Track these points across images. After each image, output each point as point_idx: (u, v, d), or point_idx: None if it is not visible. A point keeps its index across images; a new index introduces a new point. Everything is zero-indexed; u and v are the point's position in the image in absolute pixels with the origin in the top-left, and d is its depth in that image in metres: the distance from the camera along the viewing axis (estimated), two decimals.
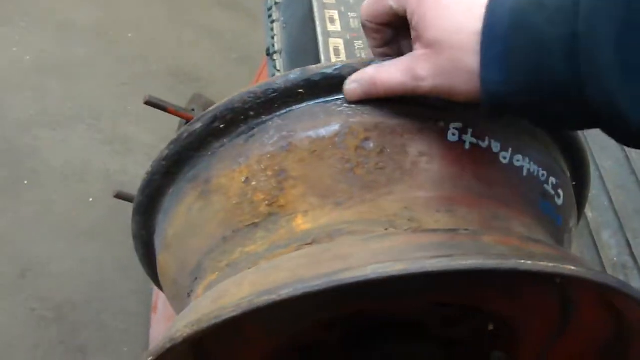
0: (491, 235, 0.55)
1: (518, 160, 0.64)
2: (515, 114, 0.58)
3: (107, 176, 2.42)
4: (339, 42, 1.14)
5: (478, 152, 0.62)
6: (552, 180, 0.67)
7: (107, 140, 2.54)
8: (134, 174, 2.40)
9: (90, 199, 2.34)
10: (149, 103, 1.24)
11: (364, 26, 0.66)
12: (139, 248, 0.80)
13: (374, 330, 0.69)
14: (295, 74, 0.63)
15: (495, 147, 0.63)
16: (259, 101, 0.63)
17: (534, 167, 0.65)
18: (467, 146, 0.62)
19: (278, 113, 0.64)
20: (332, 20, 1.17)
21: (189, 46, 3.03)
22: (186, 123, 1.54)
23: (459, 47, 0.55)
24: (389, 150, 0.61)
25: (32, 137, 2.44)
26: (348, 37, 1.15)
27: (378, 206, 0.59)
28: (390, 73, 0.61)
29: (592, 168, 1.25)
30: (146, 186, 0.72)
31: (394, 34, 0.66)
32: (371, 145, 0.61)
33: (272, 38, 1.32)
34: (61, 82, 2.64)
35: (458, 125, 0.62)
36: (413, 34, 0.59)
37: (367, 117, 0.62)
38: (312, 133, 0.62)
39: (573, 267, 0.50)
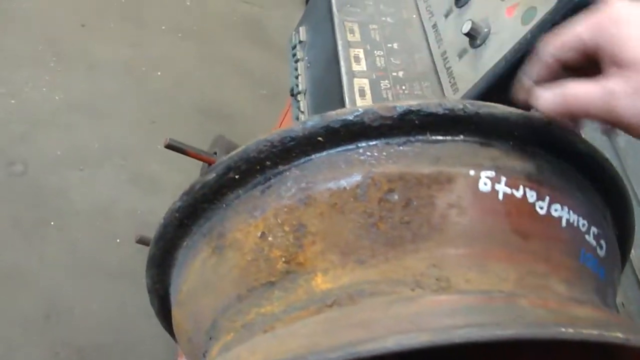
0: (528, 297, 0.50)
1: (556, 210, 0.59)
2: None
3: (134, 216, 2.39)
4: (365, 82, 1.09)
5: (512, 203, 0.58)
6: (594, 230, 0.62)
7: (134, 179, 2.51)
8: (162, 215, 2.36)
9: (117, 240, 2.30)
10: (169, 146, 1.20)
11: (539, 57, 0.63)
12: (154, 302, 0.78)
13: None
14: (314, 121, 0.59)
15: (531, 196, 0.58)
16: (275, 150, 0.59)
17: (573, 217, 0.60)
18: (500, 197, 0.57)
19: (296, 163, 0.60)
20: (357, 59, 1.13)
21: (218, 83, 3.01)
22: (209, 167, 1.50)
23: None
24: (415, 203, 0.56)
25: (59, 177, 2.43)
26: (374, 76, 1.10)
27: (403, 264, 0.55)
28: (586, 88, 0.57)
29: (634, 203, 1.19)
30: (159, 238, 0.69)
31: (561, 72, 0.63)
32: (396, 197, 0.57)
33: (296, 78, 1.28)
34: (90, 121, 2.63)
35: (490, 174, 0.58)
36: (605, 60, 0.57)
37: (392, 166, 0.58)
38: (332, 184, 0.58)
39: (620, 335, 0.45)
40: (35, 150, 2.47)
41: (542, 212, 0.58)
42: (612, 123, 0.57)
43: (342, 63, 1.12)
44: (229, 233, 0.61)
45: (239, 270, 0.59)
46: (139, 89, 2.84)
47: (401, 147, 0.59)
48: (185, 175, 2.50)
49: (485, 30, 1.03)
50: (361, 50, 1.14)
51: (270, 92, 3.03)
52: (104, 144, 2.57)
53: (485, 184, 0.57)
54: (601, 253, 0.63)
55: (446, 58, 1.10)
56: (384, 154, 0.59)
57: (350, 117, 0.58)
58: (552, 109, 0.59)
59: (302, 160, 0.60)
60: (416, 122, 0.59)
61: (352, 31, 1.18)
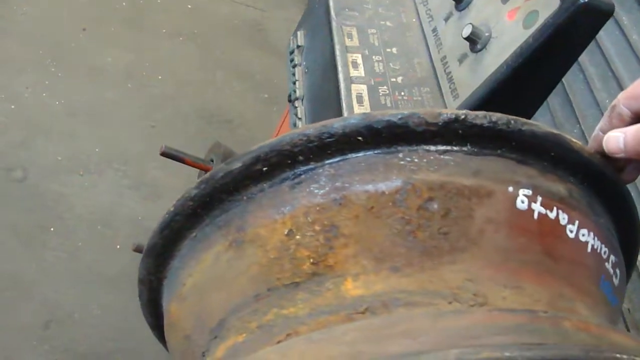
0: (570, 320, 0.48)
1: (583, 235, 0.58)
2: None
3: (135, 223, 2.37)
4: (363, 89, 1.07)
5: (546, 224, 0.57)
6: (612, 258, 0.62)
7: (135, 185, 2.49)
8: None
9: (117, 246, 2.29)
10: (165, 154, 1.18)
11: (614, 108, 0.64)
12: (143, 293, 0.74)
13: None
14: (357, 119, 0.57)
15: (563, 219, 0.57)
16: (311, 145, 0.57)
17: (597, 243, 0.60)
18: (535, 216, 0.56)
19: (330, 161, 0.58)
20: (355, 65, 1.10)
21: (220, 87, 2.99)
22: (206, 173, 1.48)
23: None
24: (454, 214, 0.55)
25: (59, 183, 2.41)
26: (372, 82, 1.08)
27: (439, 276, 0.53)
28: None
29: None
30: (165, 227, 0.65)
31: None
32: (435, 206, 0.55)
33: (294, 83, 1.25)
34: (90, 127, 2.61)
35: (528, 192, 0.57)
36: None
37: (433, 174, 0.56)
38: (370, 187, 0.56)
39: None
40: (35, 156, 2.45)
41: (571, 235, 0.58)
42: None
43: (339, 69, 1.10)
44: (251, 228, 0.58)
45: (260, 268, 0.57)
46: (139, 94, 2.82)
47: (442, 156, 0.57)
48: (186, 180, 2.48)
49: (486, 34, 1.00)
50: (359, 56, 1.12)
51: (272, 96, 3.01)
52: (104, 149, 2.56)
53: (523, 201, 0.56)
54: (616, 282, 0.62)
55: (446, 63, 1.07)
56: (425, 160, 0.57)
57: (395, 119, 0.56)
58: (631, 147, 0.60)
59: (338, 158, 0.57)
60: (460, 131, 0.57)
61: (350, 36, 1.16)
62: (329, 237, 0.55)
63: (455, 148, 0.58)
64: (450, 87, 1.04)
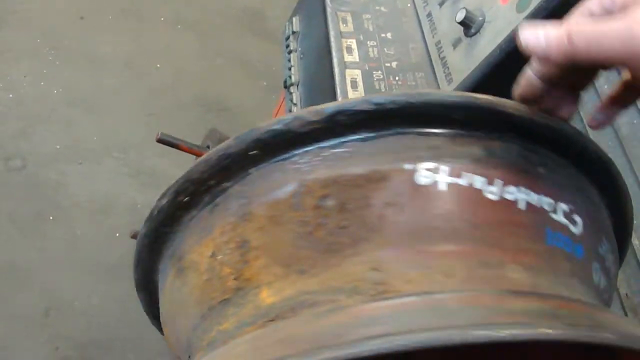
0: (461, 296, 0.48)
1: (511, 193, 0.56)
2: None
3: (134, 210, 2.37)
4: (357, 74, 1.07)
5: (457, 192, 0.55)
6: (563, 207, 0.59)
7: (134, 173, 2.50)
8: None
9: (117, 234, 2.29)
10: (161, 141, 1.18)
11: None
12: (154, 323, 0.79)
13: None
14: (244, 135, 0.58)
15: (479, 182, 0.55)
16: (215, 169, 0.59)
17: (533, 197, 0.57)
18: (443, 187, 0.55)
19: (237, 178, 0.59)
20: (349, 50, 1.10)
21: (218, 75, 2.98)
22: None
23: None
24: (350, 206, 0.54)
25: (58, 171, 2.41)
26: (367, 67, 1.08)
27: (344, 271, 0.53)
28: (598, 27, 0.50)
29: (635, 184, 1.16)
30: (137, 264, 0.70)
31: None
32: (330, 202, 0.55)
33: (290, 69, 1.26)
34: (89, 115, 2.61)
35: (430, 165, 0.55)
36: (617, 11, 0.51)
37: (325, 171, 0.56)
38: (268, 197, 0.57)
39: (549, 331, 0.44)
40: (33, 145, 2.46)
41: (493, 197, 0.55)
42: (631, 57, 0.48)
43: (334, 54, 1.10)
44: (187, 255, 0.62)
45: (199, 290, 0.60)
46: (138, 82, 2.82)
47: (335, 150, 0.57)
48: (185, 168, 2.48)
49: (480, 18, 1.00)
50: (354, 41, 1.12)
51: (271, 83, 3.00)
52: (103, 137, 2.56)
53: (426, 176, 0.55)
54: (576, 229, 0.59)
55: (440, 47, 1.07)
56: (319, 159, 0.57)
57: (278, 127, 0.57)
58: (553, 47, 0.52)
59: (241, 175, 0.59)
60: (347, 122, 0.56)
61: (344, 21, 1.16)
62: (243, 252, 0.56)
63: (350, 138, 0.57)
64: (444, 72, 1.04)
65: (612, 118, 0.64)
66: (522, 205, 0.56)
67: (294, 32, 1.30)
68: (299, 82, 1.22)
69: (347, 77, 1.05)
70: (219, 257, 0.58)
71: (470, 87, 0.96)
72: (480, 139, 0.58)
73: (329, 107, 0.56)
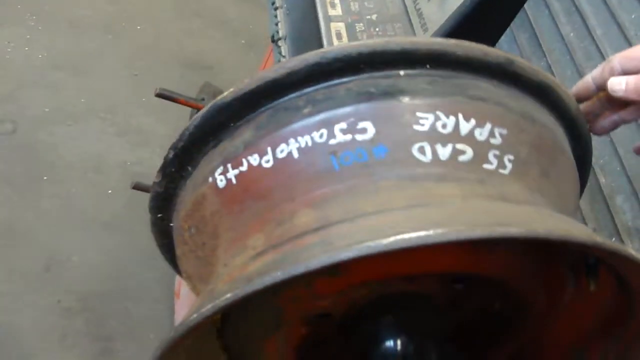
0: (225, 276, 0.61)
1: (282, 151, 0.63)
2: None
3: (124, 168, 2.46)
4: (341, 26, 1.16)
5: (244, 178, 0.65)
6: (341, 127, 0.63)
7: (121, 132, 2.58)
8: (150, 165, 2.44)
9: (109, 191, 2.38)
10: (160, 95, 1.27)
11: (609, 61, 0.76)
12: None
13: (380, 303, 0.73)
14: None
15: (254, 159, 0.64)
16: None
17: (303, 139, 0.63)
18: (235, 181, 0.65)
19: None
20: (333, 5, 1.20)
21: (198, 35, 3.05)
22: (197, 113, 1.57)
23: None
24: (201, 228, 0.69)
25: (48, 133, 2.49)
26: (349, 20, 1.18)
27: (216, 274, 0.66)
28: None
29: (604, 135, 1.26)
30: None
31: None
32: (193, 230, 0.70)
33: (276, 25, 1.35)
34: (74, 78, 2.68)
35: (220, 169, 0.66)
36: None
37: (184, 210, 0.71)
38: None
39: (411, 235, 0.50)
40: (22, 109, 2.52)
41: (269, 164, 0.63)
42: None
43: (318, 9, 1.19)
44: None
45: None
46: (120, 44, 2.88)
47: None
48: (171, 126, 2.58)
49: None
50: None
51: (249, 41, 3.09)
52: (89, 99, 2.63)
53: (221, 180, 0.66)
54: (365, 136, 0.62)
55: (416, 1, 1.17)
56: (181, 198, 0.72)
57: (156, 188, 0.74)
58: (632, 90, 0.72)
59: None
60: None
61: None
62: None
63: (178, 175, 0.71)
64: (420, 22, 1.14)
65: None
66: (295, 154, 0.63)
67: None
68: (286, 35, 1.32)
69: (332, 29, 1.15)
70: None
71: (444, 35, 1.07)
72: (259, 114, 0.66)
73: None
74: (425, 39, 0.66)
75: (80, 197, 2.36)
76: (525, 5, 1.30)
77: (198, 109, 1.41)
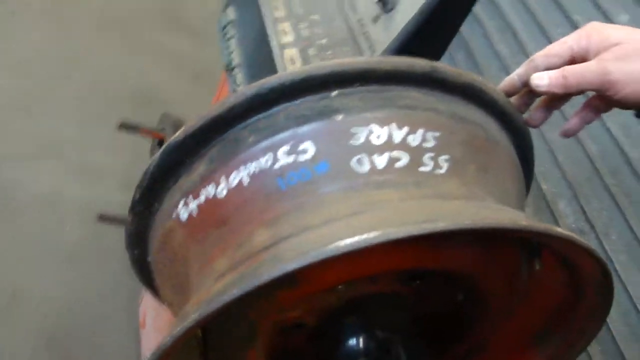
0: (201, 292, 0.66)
1: (234, 179, 0.69)
2: None
3: (79, 205, 2.47)
4: (294, 52, 1.24)
5: (203, 209, 0.71)
6: (284, 150, 0.68)
7: (75, 170, 2.58)
8: (106, 201, 2.44)
9: (67, 228, 2.39)
10: (123, 126, 1.32)
11: (532, 60, 0.81)
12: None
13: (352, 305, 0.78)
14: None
15: (209, 193, 0.70)
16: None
17: (251, 167, 0.68)
18: (196, 212, 0.71)
19: None
20: (284, 33, 1.27)
21: (145, 70, 3.09)
22: (159, 143, 1.63)
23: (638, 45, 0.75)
24: (172, 258, 0.75)
25: (0, 173, 2.49)
26: (301, 46, 1.25)
27: (190, 299, 0.70)
28: (581, 67, 0.77)
29: (543, 144, 1.33)
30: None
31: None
32: (166, 262, 0.76)
33: (230, 54, 1.41)
34: (23, 118, 2.68)
35: (182, 204, 0.72)
36: (592, 52, 0.77)
37: (156, 242, 0.77)
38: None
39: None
40: None
41: (224, 193, 0.69)
42: (605, 86, 0.75)
43: (271, 37, 1.26)
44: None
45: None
46: (69, 83, 2.90)
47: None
48: (123, 160, 2.61)
49: None
50: (288, 24, 1.29)
51: (196, 73, 3.13)
52: (40, 138, 2.63)
53: (184, 213, 0.72)
54: (306, 156, 0.67)
55: (363, 24, 1.25)
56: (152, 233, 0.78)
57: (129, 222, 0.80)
58: (554, 83, 0.77)
59: None
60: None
61: (276, 8, 1.32)
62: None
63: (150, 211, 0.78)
64: (368, 44, 1.22)
65: (582, 124, 0.85)
66: (245, 182, 0.68)
67: (230, 21, 1.46)
68: (240, 64, 1.38)
69: (286, 56, 1.22)
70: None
71: (391, 54, 1.15)
72: (208, 150, 0.72)
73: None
74: (353, 59, 0.71)
75: (37, 235, 2.35)
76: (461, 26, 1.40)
77: (159, 139, 1.47)
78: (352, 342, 0.77)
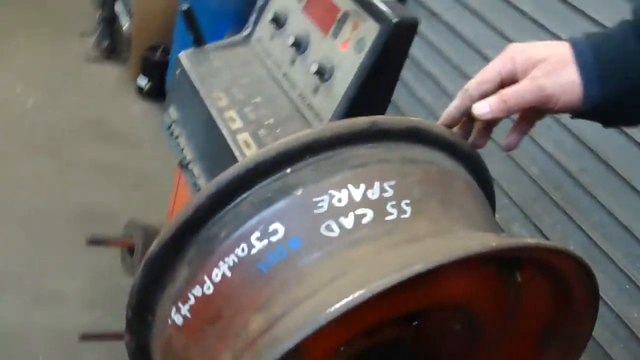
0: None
1: (217, 275, 0.73)
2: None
3: (48, 332, 2.44)
4: (246, 136, 1.29)
5: (195, 310, 0.74)
6: (255, 237, 0.72)
7: (36, 298, 2.56)
8: (75, 323, 2.43)
9: (40, 357, 2.36)
10: (92, 242, 1.35)
11: (466, 90, 0.86)
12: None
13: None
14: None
15: (197, 291, 0.73)
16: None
17: (231, 259, 0.72)
18: (190, 315, 0.74)
19: None
20: (232, 120, 1.33)
21: (86, 187, 3.10)
22: (128, 250, 1.65)
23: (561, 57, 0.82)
24: (183, 358, 0.76)
25: None
26: (251, 129, 1.31)
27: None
28: (517, 88, 0.82)
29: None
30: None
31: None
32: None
33: (182, 151, 1.46)
34: None
35: (174, 310, 0.75)
36: (519, 72, 0.84)
37: (159, 352, 0.80)
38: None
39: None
40: None
41: (211, 290, 0.72)
42: (543, 100, 0.82)
43: (220, 126, 1.32)
44: None
45: None
46: (9, 215, 2.89)
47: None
48: (82, 280, 2.61)
49: (329, 66, 1.26)
50: (233, 111, 1.34)
51: (136, 182, 3.16)
52: None
53: (178, 318, 0.75)
54: (278, 236, 0.71)
55: (304, 97, 1.32)
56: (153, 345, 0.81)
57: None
58: (495, 110, 0.83)
59: None
60: None
61: (219, 98, 1.38)
62: None
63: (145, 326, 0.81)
64: (314, 115, 1.29)
65: (521, 137, 0.92)
66: (228, 275, 0.72)
67: (174, 121, 1.50)
68: (194, 159, 1.43)
69: (239, 141, 1.27)
70: None
71: (339, 119, 1.21)
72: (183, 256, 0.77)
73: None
74: (297, 135, 0.75)
75: None
76: None
77: (128, 246, 1.49)
78: None
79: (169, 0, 3.52)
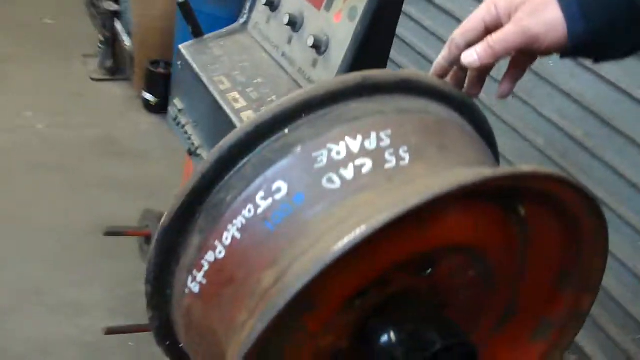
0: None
1: (227, 239, 0.74)
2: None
3: (72, 342, 2.47)
4: (250, 114, 1.32)
5: (210, 276, 0.76)
6: (259, 197, 0.74)
7: (56, 309, 2.59)
8: (96, 332, 2.45)
9: None
10: (110, 233, 1.38)
11: (452, 40, 0.86)
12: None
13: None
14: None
15: (210, 257, 0.75)
16: None
17: (239, 221, 0.74)
18: (205, 282, 0.76)
19: None
20: (235, 100, 1.36)
21: (100, 203, 3.13)
22: (145, 239, 1.68)
23: None
24: (200, 332, 0.79)
25: None
26: (255, 107, 1.33)
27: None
28: (502, 33, 0.82)
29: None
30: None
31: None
32: (197, 339, 0.80)
33: (189, 139, 1.48)
34: None
35: (190, 279, 0.77)
36: (504, 17, 0.83)
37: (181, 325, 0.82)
38: None
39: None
40: None
41: (223, 254, 0.74)
42: (529, 42, 0.82)
43: (224, 107, 1.35)
44: None
45: None
46: (25, 229, 2.92)
47: None
48: (101, 289, 2.64)
49: (325, 37, 1.29)
50: (236, 93, 1.37)
51: (147, 193, 3.19)
52: (12, 288, 2.64)
53: (195, 286, 0.76)
54: (282, 194, 0.73)
55: (303, 72, 1.35)
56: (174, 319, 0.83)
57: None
58: (483, 56, 0.83)
59: None
60: None
61: (221, 82, 1.41)
62: None
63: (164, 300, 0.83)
64: None
65: (514, 84, 0.92)
66: (238, 237, 0.74)
67: (180, 110, 1.53)
68: (201, 144, 1.46)
69: (243, 119, 1.30)
70: None
71: None
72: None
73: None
74: (290, 96, 0.76)
75: None
76: None
77: (145, 235, 1.52)
78: (384, 338, 0.79)
79: (167, 17, 3.57)
